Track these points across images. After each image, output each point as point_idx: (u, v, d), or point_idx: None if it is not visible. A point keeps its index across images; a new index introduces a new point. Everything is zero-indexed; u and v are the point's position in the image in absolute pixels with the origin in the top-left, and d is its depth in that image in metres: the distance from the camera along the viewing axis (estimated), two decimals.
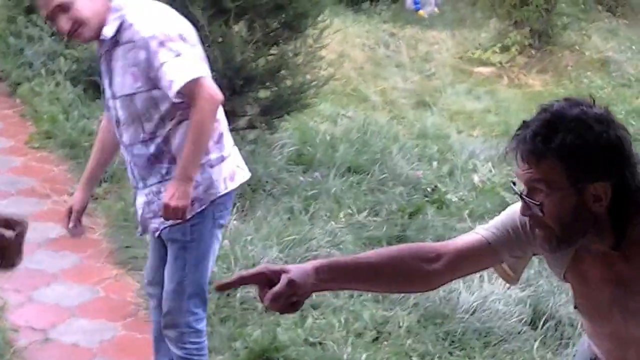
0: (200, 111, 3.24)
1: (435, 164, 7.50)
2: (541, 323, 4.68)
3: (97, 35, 3.30)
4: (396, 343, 4.44)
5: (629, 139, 1.98)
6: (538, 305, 4.83)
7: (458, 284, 4.97)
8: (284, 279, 2.01)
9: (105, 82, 3.45)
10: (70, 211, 3.61)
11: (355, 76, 10.70)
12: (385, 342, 4.47)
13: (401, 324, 4.60)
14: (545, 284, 5.09)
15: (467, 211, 6.38)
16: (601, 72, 11.44)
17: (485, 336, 4.56)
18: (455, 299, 4.81)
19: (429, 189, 6.80)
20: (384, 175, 6.95)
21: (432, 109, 9.46)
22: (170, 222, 3.36)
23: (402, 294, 4.87)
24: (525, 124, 2.00)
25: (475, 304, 4.76)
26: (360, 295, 4.93)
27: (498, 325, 4.62)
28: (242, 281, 2.11)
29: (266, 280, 2.03)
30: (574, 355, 2.46)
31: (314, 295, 4.78)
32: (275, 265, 2.14)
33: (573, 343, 4.48)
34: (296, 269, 2.06)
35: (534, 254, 2.27)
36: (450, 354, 4.41)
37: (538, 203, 1.96)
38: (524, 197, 1.99)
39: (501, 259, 2.23)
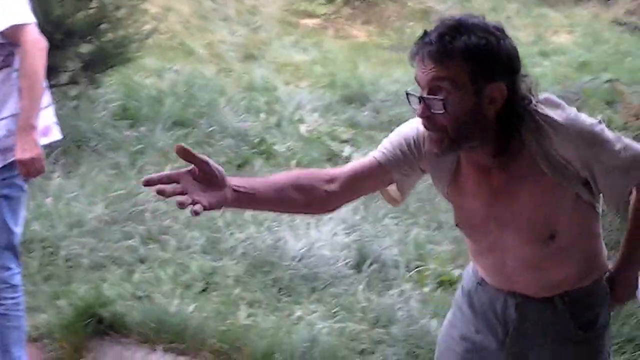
0: (31, 56, 3.23)
1: (262, 115, 7.55)
2: (366, 266, 4.78)
3: None
4: (225, 293, 4.45)
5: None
6: (363, 249, 4.94)
7: (285, 232, 5.05)
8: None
9: None
10: None
11: (182, 30, 10.55)
12: (214, 293, 4.48)
13: (229, 273, 4.63)
14: (370, 228, 5.23)
15: (294, 161, 6.47)
16: (423, 22, 11.70)
17: (313, 281, 4.63)
18: (282, 247, 4.87)
19: (256, 141, 6.84)
20: (211, 128, 6.95)
21: (260, 62, 9.46)
22: None
23: (230, 246, 4.93)
24: (428, 32, 2.07)
25: (302, 250, 4.84)
26: (189, 248, 4.93)
27: (324, 270, 4.70)
28: (169, 178, 2.04)
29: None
30: (462, 286, 2.54)
31: (141, 248, 4.79)
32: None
33: (397, 284, 4.62)
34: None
35: (423, 171, 2.35)
36: (279, 300, 4.46)
37: (443, 98, 2.02)
38: (426, 97, 2.05)
39: (392, 177, 2.32)
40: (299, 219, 5.25)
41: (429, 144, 2.15)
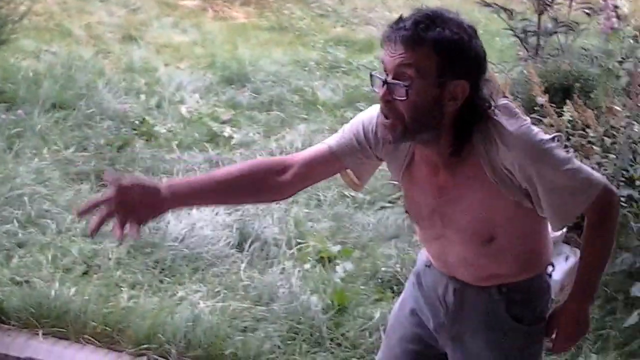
0: None
1: (143, 97, 7.49)
2: (247, 245, 4.84)
3: None
4: (106, 275, 4.45)
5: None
6: (244, 228, 5.00)
7: (167, 214, 5.06)
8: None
9: None
10: None
11: (59, 11, 10.33)
12: (95, 276, 4.46)
13: (110, 256, 4.63)
14: (251, 208, 5.29)
15: (175, 142, 6.46)
16: (300, 4, 11.81)
17: (195, 261, 4.67)
18: (164, 228, 4.89)
19: (137, 122, 6.80)
20: (90, 110, 6.87)
21: (139, 43, 9.35)
22: None
23: None
24: (403, 18, 2.09)
25: (183, 231, 4.86)
26: (69, 231, 4.89)
27: (206, 250, 4.75)
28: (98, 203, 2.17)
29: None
30: (416, 266, 2.63)
31: (19, 233, 4.72)
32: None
33: (278, 262, 4.71)
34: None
35: (379, 159, 2.40)
36: (161, 281, 4.48)
37: (407, 85, 2.04)
38: (390, 81, 2.08)
39: (345, 165, 2.38)
40: None
41: (382, 130, 2.18)
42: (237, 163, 2.42)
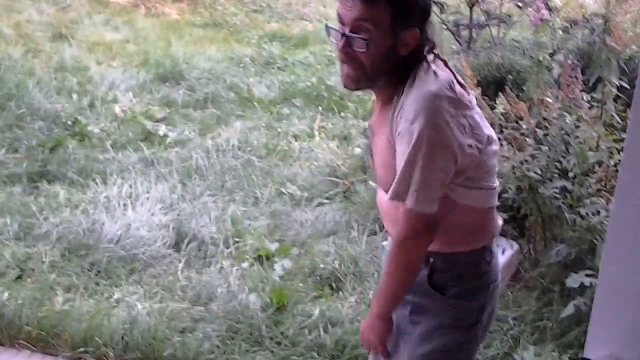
0: None
1: (75, 96, 7.38)
2: (184, 245, 4.81)
3: None
4: (40, 279, 4.37)
5: None
6: (181, 228, 4.95)
7: (101, 215, 5.00)
8: None
9: None
10: None
11: None
12: (29, 279, 4.39)
13: (44, 259, 4.55)
14: (188, 207, 5.26)
15: (109, 142, 6.38)
16: (234, 0, 11.78)
17: (131, 263, 4.61)
18: (98, 230, 4.82)
19: (69, 122, 6.70)
20: (21, 111, 6.75)
21: (70, 41, 9.21)
22: None
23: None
24: None
25: (119, 232, 4.81)
26: (1, 234, 4.80)
27: (143, 251, 4.70)
28: None
29: None
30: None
31: None
32: None
33: (216, 261, 4.67)
34: None
35: None
36: (97, 284, 4.42)
37: (367, 38, 2.17)
38: (350, 34, 2.19)
39: None
40: (115, 201, 5.21)
41: (344, 79, 2.28)
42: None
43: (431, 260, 2.36)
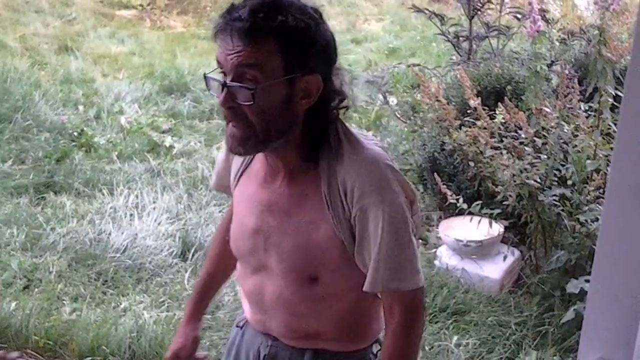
0: None
1: (81, 108, 7.48)
2: (191, 254, 4.86)
3: None
4: (47, 289, 4.43)
5: None
6: (187, 237, 5.02)
7: (108, 225, 5.06)
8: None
9: None
10: None
11: None
12: (37, 289, 4.45)
13: (51, 269, 4.61)
14: (194, 217, 5.31)
15: (115, 153, 6.45)
16: None
17: (138, 272, 4.68)
18: (105, 240, 4.89)
19: (75, 134, 6.77)
20: (27, 123, 6.83)
21: (76, 54, 9.30)
22: None
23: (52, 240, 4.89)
24: (235, 6, 1.74)
25: (125, 242, 4.87)
26: (8, 245, 4.87)
27: (149, 260, 4.76)
28: None
29: None
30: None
31: None
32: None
33: None
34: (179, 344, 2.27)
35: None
36: (104, 293, 4.48)
37: (253, 88, 1.71)
38: (231, 84, 1.74)
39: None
40: (121, 211, 5.27)
41: (231, 141, 1.82)
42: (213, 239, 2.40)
43: (319, 358, 2.06)
